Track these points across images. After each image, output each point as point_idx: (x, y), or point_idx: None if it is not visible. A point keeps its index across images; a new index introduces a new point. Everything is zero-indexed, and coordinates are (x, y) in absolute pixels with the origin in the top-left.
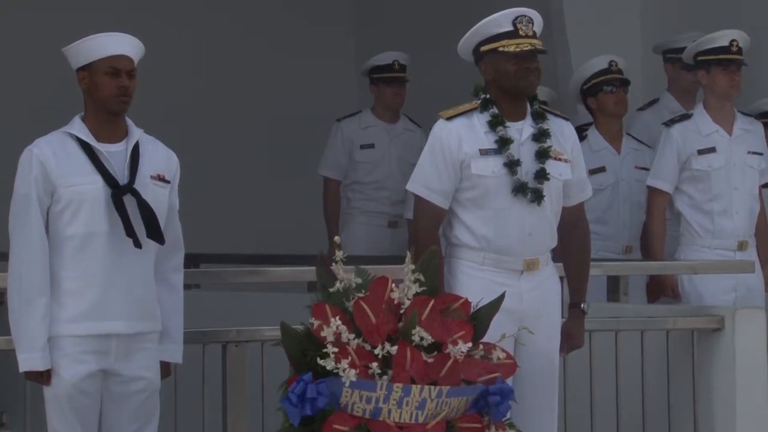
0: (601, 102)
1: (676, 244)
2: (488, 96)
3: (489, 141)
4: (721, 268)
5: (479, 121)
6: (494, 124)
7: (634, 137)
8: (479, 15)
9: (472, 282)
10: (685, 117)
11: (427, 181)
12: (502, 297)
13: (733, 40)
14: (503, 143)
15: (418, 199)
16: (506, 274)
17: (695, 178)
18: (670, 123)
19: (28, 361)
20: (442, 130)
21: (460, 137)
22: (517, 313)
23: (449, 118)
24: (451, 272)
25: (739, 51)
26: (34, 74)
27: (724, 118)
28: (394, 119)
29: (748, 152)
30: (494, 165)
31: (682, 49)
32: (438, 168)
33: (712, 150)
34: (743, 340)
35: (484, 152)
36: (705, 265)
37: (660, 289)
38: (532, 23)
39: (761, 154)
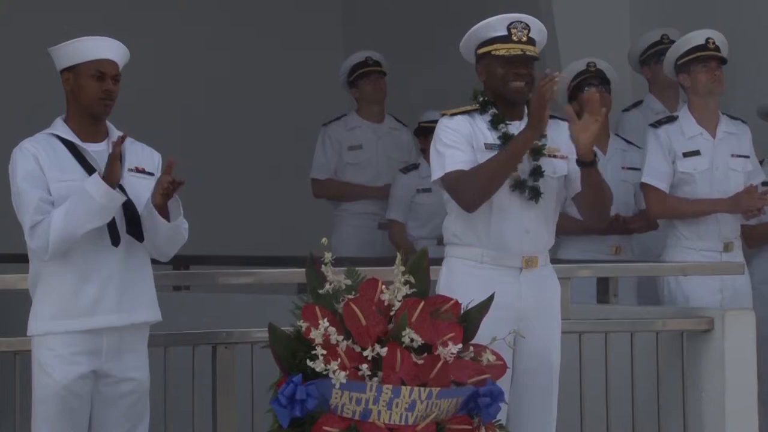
0: (581, 102)
1: (662, 246)
2: (486, 98)
3: (493, 137)
4: (711, 270)
5: (481, 120)
6: (496, 122)
7: (622, 138)
8: (464, 14)
9: (472, 280)
10: (671, 119)
11: (452, 159)
12: (491, 298)
13: (708, 38)
14: (507, 139)
15: (454, 176)
16: (505, 271)
17: (680, 181)
18: (656, 125)
19: (98, 185)
20: (451, 120)
21: (468, 128)
22: (515, 311)
23: (452, 115)
24: (450, 271)
25: (717, 48)
26: (30, 74)
27: (709, 120)
28: (379, 118)
29: (732, 155)
30: None
31: (652, 46)
32: (457, 144)
33: (697, 153)
34: (733, 341)
35: (489, 147)
36: (695, 267)
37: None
38: (528, 30)
39: (747, 156)
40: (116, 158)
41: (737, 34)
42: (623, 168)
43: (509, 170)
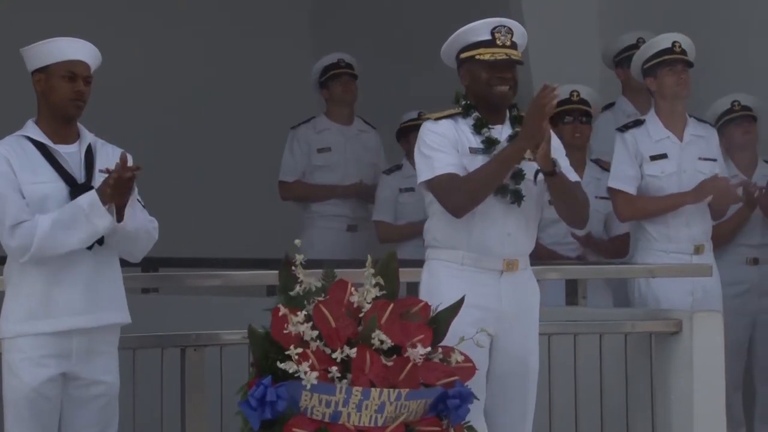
0: (560, 132)
1: (633, 249)
2: (469, 102)
3: (477, 141)
4: (680, 272)
5: (464, 124)
6: (479, 126)
7: (597, 164)
8: (440, 16)
9: (453, 282)
10: (638, 123)
11: (440, 162)
12: (461, 302)
13: (675, 42)
14: (490, 143)
15: (443, 180)
16: (486, 274)
17: (648, 184)
18: (624, 129)
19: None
20: (435, 125)
21: (453, 132)
22: (495, 312)
23: (436, 120)
24: (432, 273)
25: (683, 52)
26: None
27: (676, 123)
28: (348, 120)
29: (699, 158)
30: (481, 164)
31: (626, 49)
32: (443, 147)
33: (664, 156)
34: (701, 343)
35: (473, 151)
36: (663, 269)
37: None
38: (511, 34)
39: (714, 160)
40: (116, 182)
41: (704, 38)
42: (596, 198)
43: (499, 179)
